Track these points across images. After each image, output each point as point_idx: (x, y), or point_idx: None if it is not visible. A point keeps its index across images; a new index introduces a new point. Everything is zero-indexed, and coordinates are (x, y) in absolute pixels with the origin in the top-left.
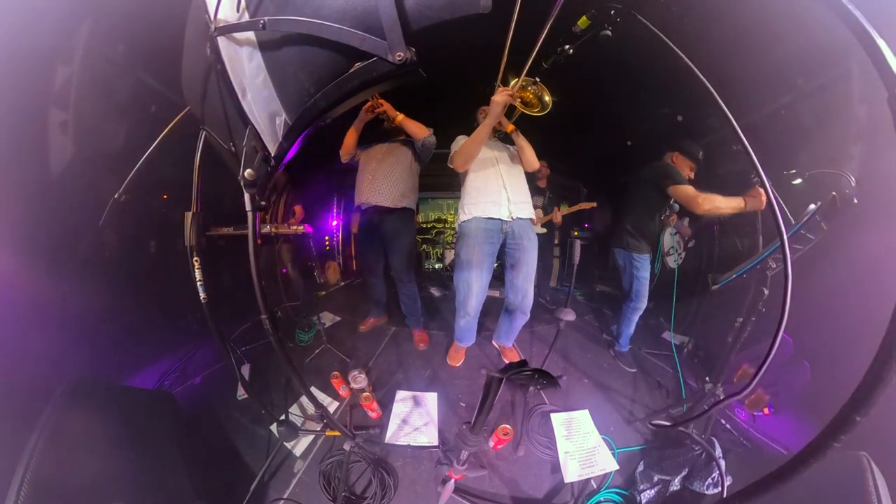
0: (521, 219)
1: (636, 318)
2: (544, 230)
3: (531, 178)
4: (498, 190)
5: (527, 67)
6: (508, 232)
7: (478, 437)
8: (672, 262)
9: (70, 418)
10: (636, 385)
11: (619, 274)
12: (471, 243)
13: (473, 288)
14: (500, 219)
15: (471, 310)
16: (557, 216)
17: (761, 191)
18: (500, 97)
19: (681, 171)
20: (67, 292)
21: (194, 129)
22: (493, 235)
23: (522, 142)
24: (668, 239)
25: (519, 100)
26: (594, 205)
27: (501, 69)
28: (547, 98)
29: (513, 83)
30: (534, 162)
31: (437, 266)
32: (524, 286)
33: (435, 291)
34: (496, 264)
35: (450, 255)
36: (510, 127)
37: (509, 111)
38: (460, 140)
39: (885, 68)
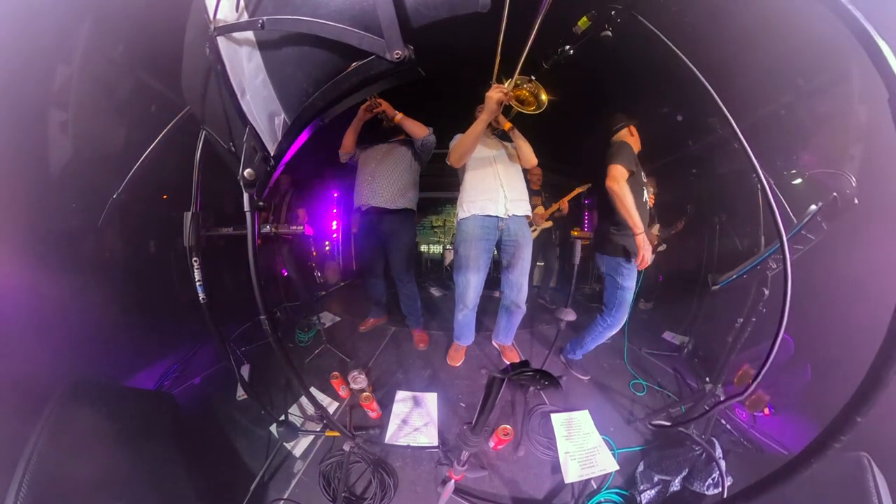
0: (516, 216)
1: (608, 335)
2: (550, 223)
3: (525, 179)
4: (495, 188)
5: (519, 66)
6: (504, 229)
7: (479, 438)
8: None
9: (70, 418)
10: (636, 385)
11: (603, 283)
12: (469, 239)
13: (472, 282)
14: (496, 216)
15: (469, 302)
16: (564, 204)
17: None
18: (495, 94)
19: (633, 145)
20: (67, 292)
21: (194, 129)
22: (490, 232)
23: (520, 139)
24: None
25: (514, 98)
26: (589, 185)
27: (496, 66)
28: (543, 96)
29: (508, 82)
30: (531, 158)
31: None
32: (519, 281)
33: (435, 291)
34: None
35: (449, 256)
36: (507, 125)
37: (506, 109)
38: (458, 138)
39: (885, 68)
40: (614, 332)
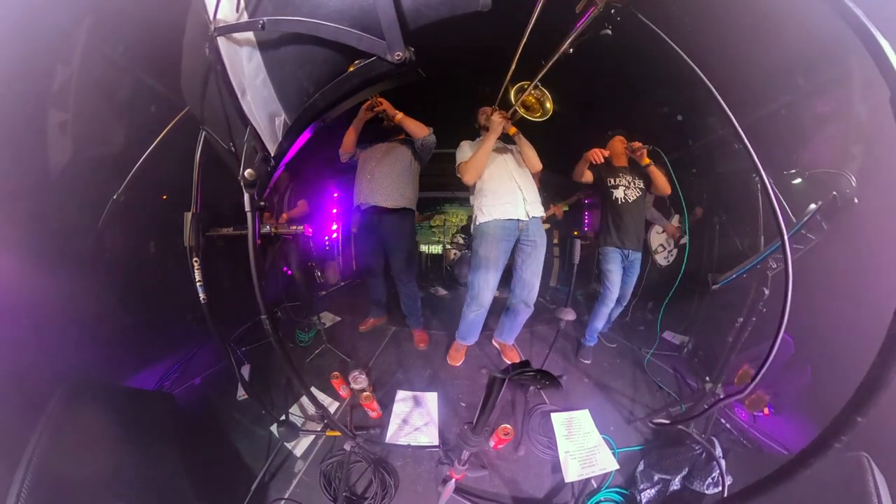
0: (535, 217)
1: (603, 311)
2: (547, 225)
3: None
4: (513, 190)
5: (507, 78)
6: (524, 229)
7: (479, 437)
8: (662, 259)
9: (70, 419)
10: (636, 385)
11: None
12: (490, 241)
13: (490, 282)
14: (517, 219)
15: (485, 301)
16: (559, 210)
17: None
18: (500, 118)
19: (619, 153)
20: (67, 292)
21: (194, 129)
22: (511, 234)
23: (525, 144)
24: (654, 237)
25: (521, 105)
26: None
27: (500, 96)
28: (548, 104)
29: (510, 111)
30: (537, 163)
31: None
32: (532, 280)
33: (435, 291)
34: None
35: (450, 256)
36: (512, 130)
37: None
38: (464, 147)
39: (886, 67)
40: (607, 308)
